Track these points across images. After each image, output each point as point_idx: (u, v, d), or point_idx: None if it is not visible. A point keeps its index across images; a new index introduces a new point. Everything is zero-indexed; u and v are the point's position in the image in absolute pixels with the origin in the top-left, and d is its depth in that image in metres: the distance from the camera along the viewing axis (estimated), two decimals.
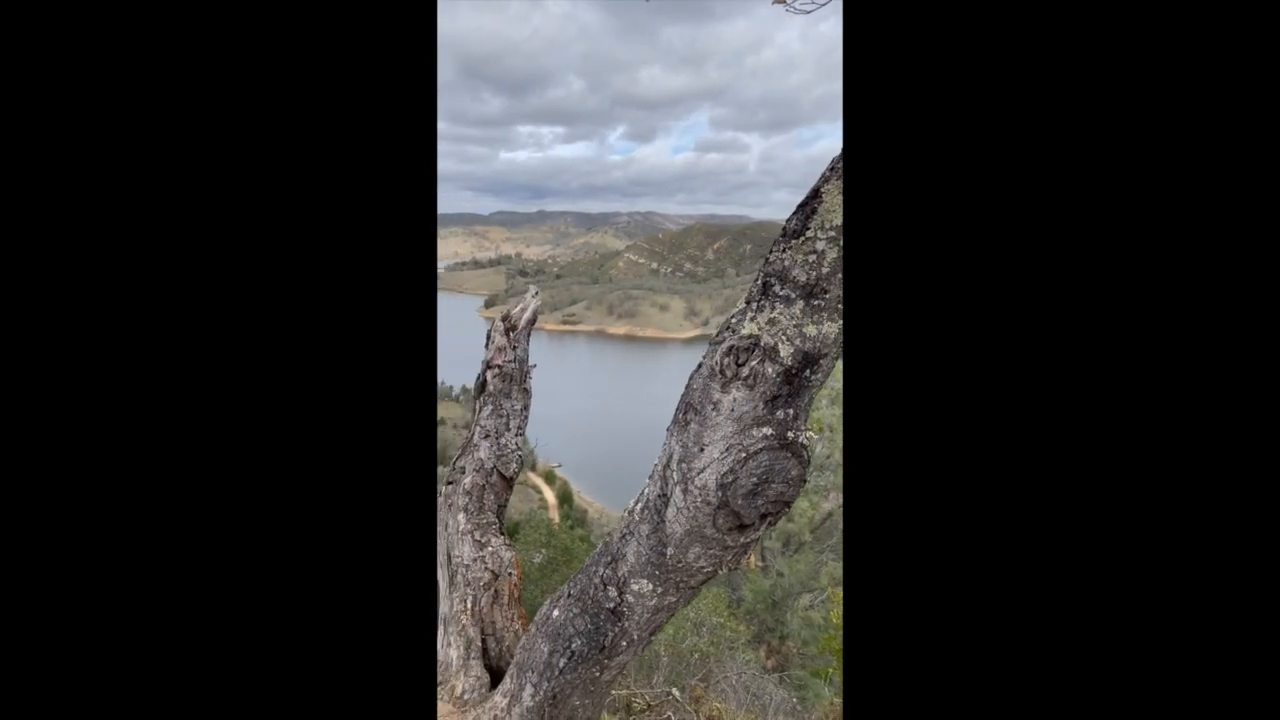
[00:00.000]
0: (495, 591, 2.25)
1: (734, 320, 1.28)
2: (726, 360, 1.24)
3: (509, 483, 2.58)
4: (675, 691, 2.72)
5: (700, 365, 1.33)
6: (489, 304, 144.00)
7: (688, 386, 1.34)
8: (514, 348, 2.79)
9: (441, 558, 2.38)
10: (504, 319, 2.84)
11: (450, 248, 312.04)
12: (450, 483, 2.55)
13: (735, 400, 1.23)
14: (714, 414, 1.26)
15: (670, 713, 2.51)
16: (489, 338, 2.82)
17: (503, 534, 2.44)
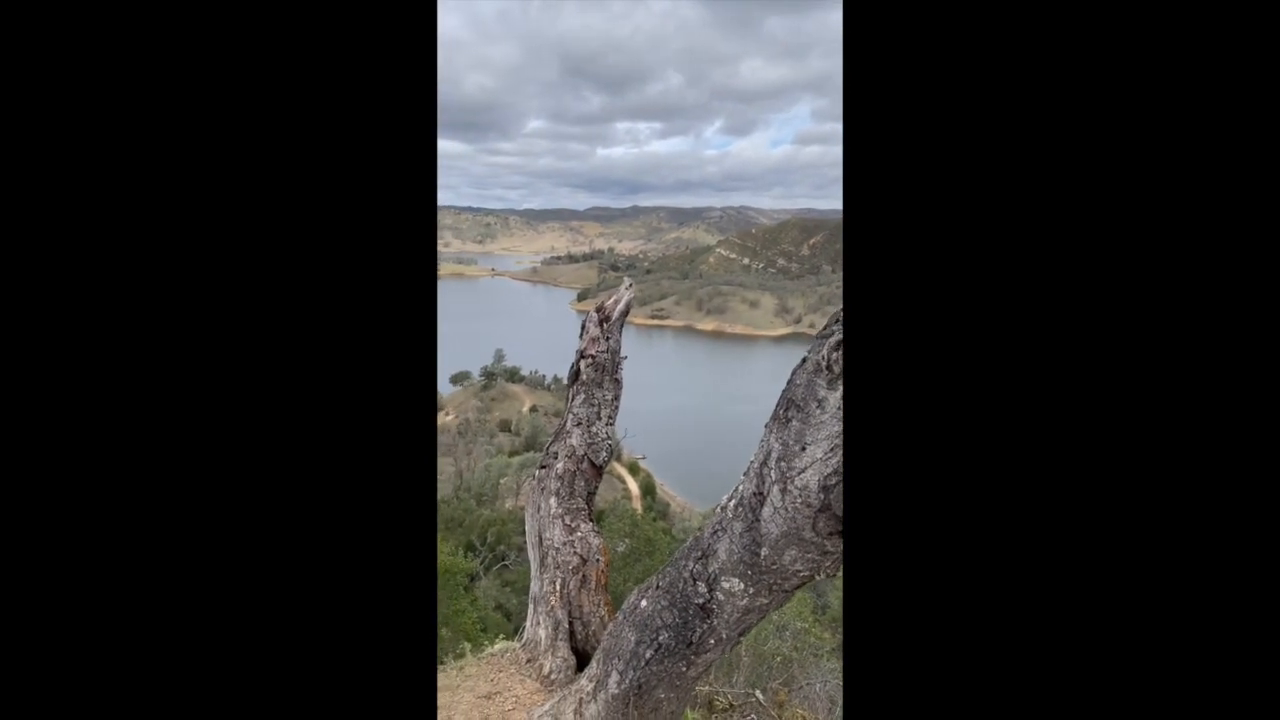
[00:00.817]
0: (583, 576, 2.29)
1: (843, 314, 1.21)
2: (834, 355, 1.18)
3: (599, 471, 2.61)
4: (758, 694, 2.66)
5: (804, 360, 1.27)
6: (581, 297, 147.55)
7: (790, 382, 1.29)
8: (607, 338, 2.82)
9: (533, 539, 2.45)
10: (598, 310, 2.87)
11: (546, 242, 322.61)
12: (543, 467, 2.62)
13: (841, 398, 1.17)
14: (818, 411, 1.20)
15: (753, 715, 2.46)
16: (583, 328, 2.86)
17: (591, 520, 2.48)
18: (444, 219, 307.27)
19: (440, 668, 2.37)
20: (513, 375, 70.35)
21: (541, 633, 2.16)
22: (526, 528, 2.48)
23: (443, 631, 5.41)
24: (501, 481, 36.18)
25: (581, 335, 2.84)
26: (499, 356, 71.68)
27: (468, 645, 5.16)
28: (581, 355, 2.78)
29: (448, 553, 6.06)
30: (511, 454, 42.16)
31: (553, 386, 68.55)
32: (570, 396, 2.75)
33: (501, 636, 5.50)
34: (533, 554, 2.40)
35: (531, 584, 2.34)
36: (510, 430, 54.00)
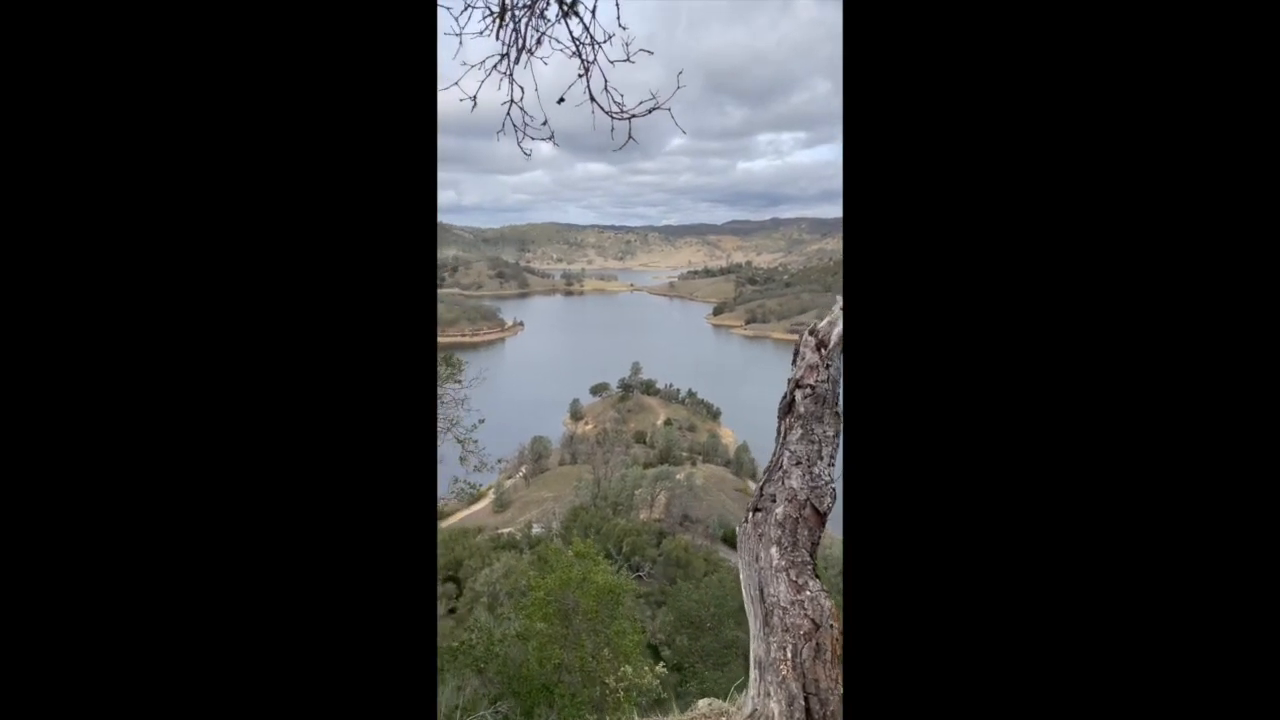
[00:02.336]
0: (816, 645, 1.99)
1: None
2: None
3: (822, 518, 2.30)
4: None
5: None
6: (717, 311, 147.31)
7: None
8: (826, 366, 2.50)
9: (752, 592, 2.20)
10: (812, 333, 2.57)
11: (683, 257, 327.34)
12: (758, 510, 2.36)
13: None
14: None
15: None
16: (797, 354, 2.58)
17: (818, 577, 2.17)
18: (586, 237, 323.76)
19: None
20: (648, 388, 71.75)
21: (774, 706, 1.90)
22: (743, 578, 2.25)
23: (603, 651, 5.34)
24: (636, 493, 36.79)
25: (795, 362, 2.55)
26: (635, 369, 73.53)
27: (628, 669, 4.96)
28: (797, 385, 2.49)
29: (605, 572, 6.04)
30: (646, 466, 42.80)
31: (686, 400, 68.81)
32: (783, 431, 2.47)
33: (655, 663, 5.35)
34: (752, 609, 2.16)
35: (753, 644, 2.10)
36: (645, 442, 54.96)
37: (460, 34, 1.43)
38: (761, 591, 2.14)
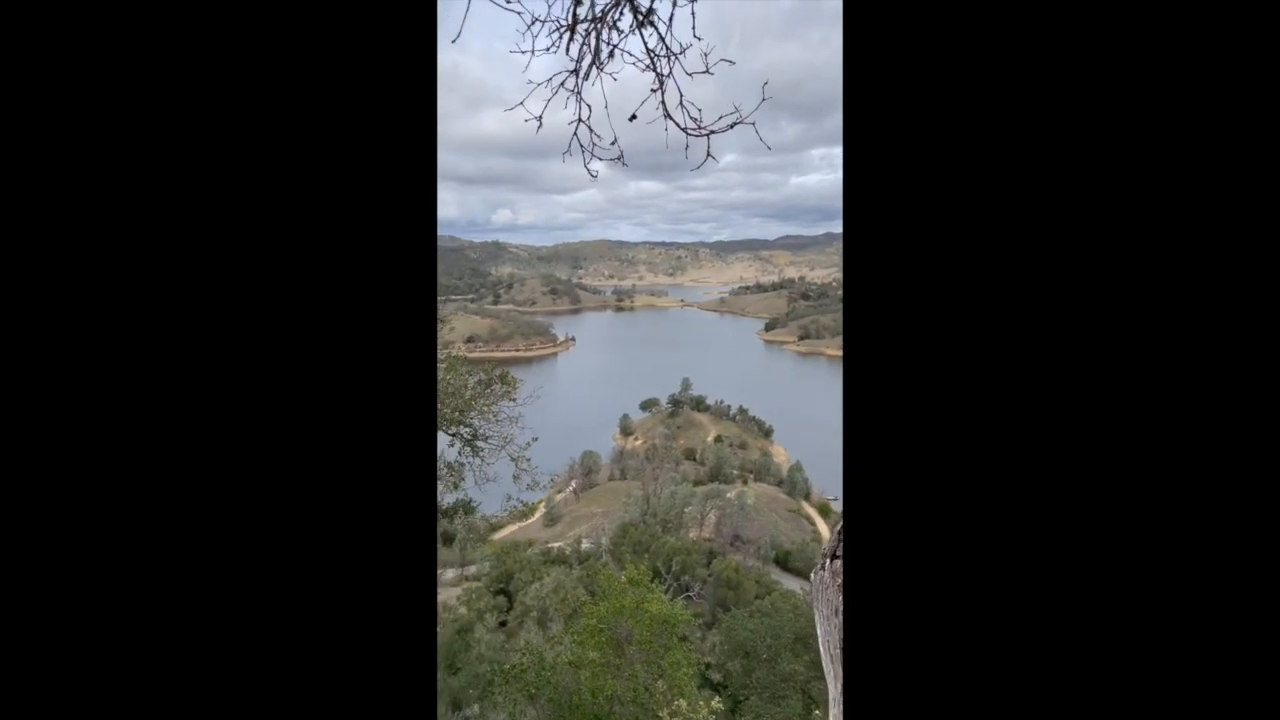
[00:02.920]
0: None
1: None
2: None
3: None
4: None
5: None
6: (769, 326, 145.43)
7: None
8: None
9: (832, 650, 2.00)
10: None
11: (735, 273, 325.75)
12: (833, 558, 2.17)
13: None
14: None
15: None
16: None
17: None
18: (638, 254, 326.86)
19: None
20: (698, 404, 71.22)
21: None
22: (819, 632, 2.05)
23: (658, 684, 5.15)
24: (686, 510, 36.36)
25: None
26: (685, 385, 73.20)
27: (683, 702, 4.74)
28: None
29: (660, 600, 5.85)
30: (696, 483, 42.30)
31: (737, 417, 67.85)
32: None
33: (711, 697, 5.11)
34: (830, 668, 1.97)
35: (832, 709, 1.90)
36: (695, 459, 54.41)
37: (530, 51, 1.35)
38: (838, 640, 1.94)
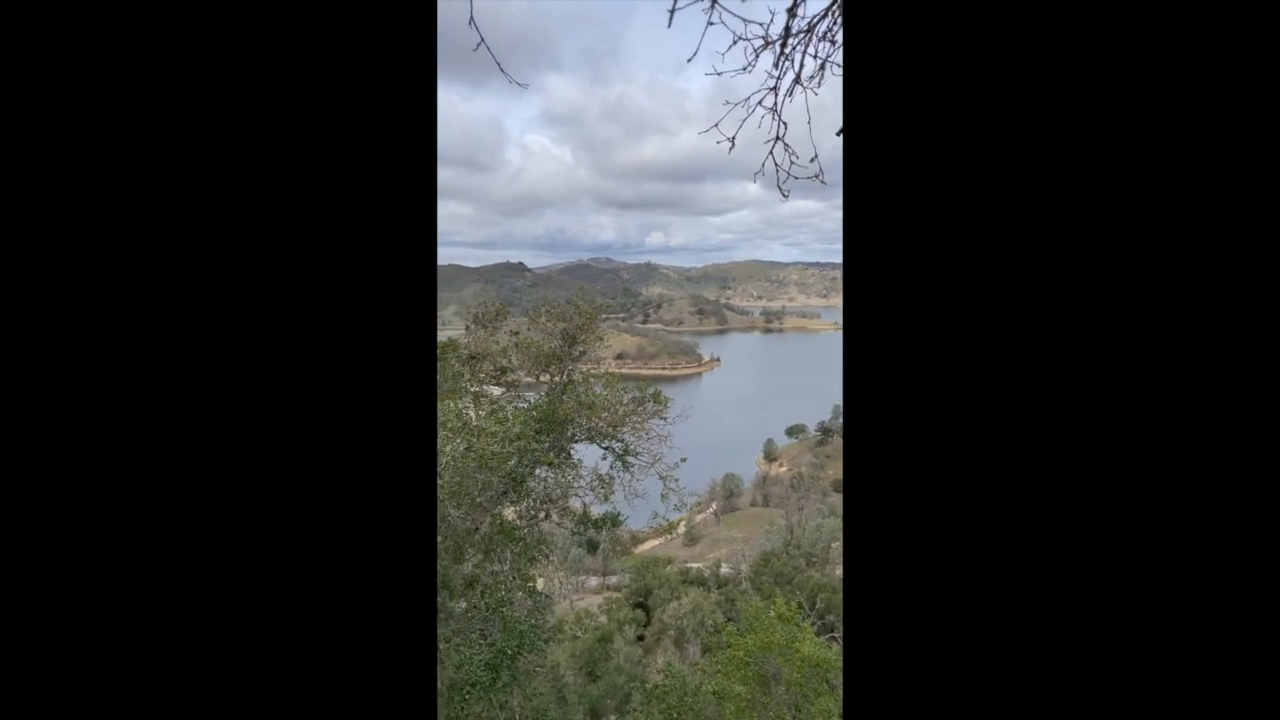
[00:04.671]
0: None
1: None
2: None
3: None
4: None
5: None
6: None
7: None
8: None
9: None
10: None
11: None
12: None
13: None
14: None
15: None
16: None
17: None
18: (789, 274, 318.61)
19: None
20: None
21: None
22: None
23: None
24: (833, 545, 34.23)
25: None
26: (836, 412, 69.51)
27: None
28: None
29: (813, 641, 5.50)
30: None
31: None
32: None
33: None
34: None
35: None
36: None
37: (731, 70, 1.33)
38: None
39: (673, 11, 1.12)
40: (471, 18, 1.05)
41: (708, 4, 1.17)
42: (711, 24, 1.29)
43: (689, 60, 1.27)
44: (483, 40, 1.08)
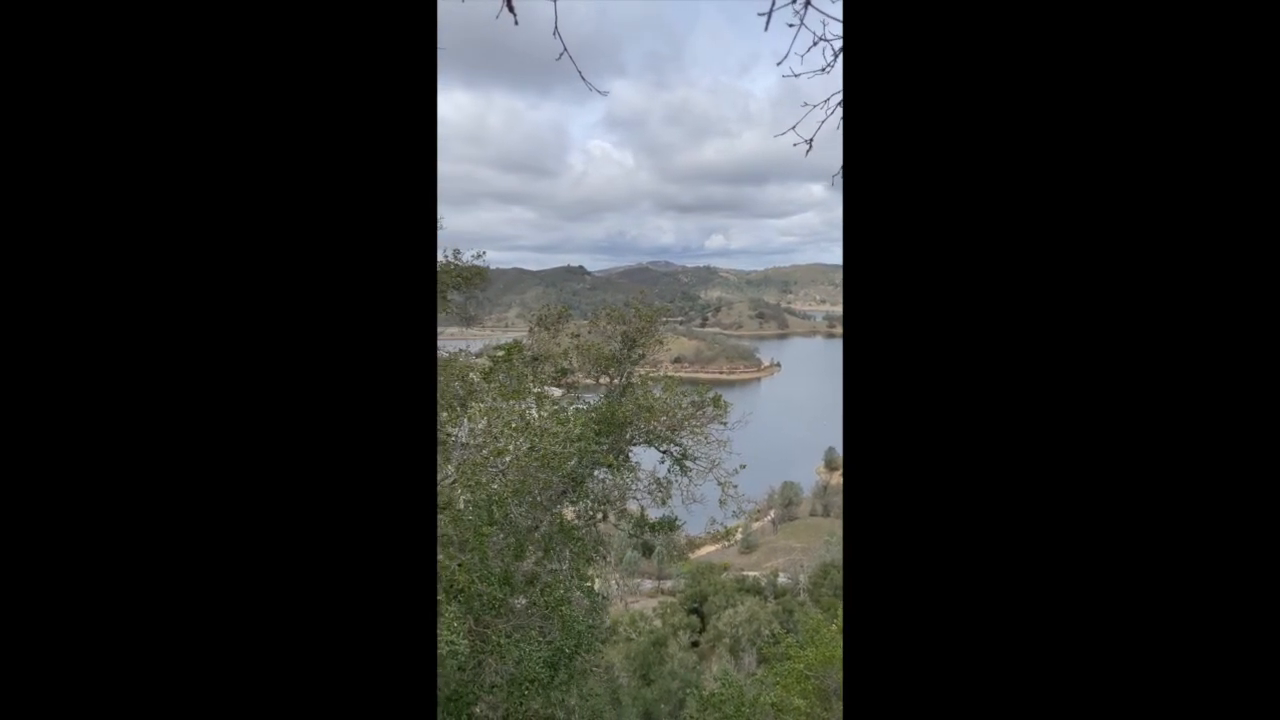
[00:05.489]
0: None
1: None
2: None
3: None
4: None
5: None
6: None
7: None
8: None
9: None
10: None
11: None
12: None
13: None
14: None
15: None
16: None
17: None
18: None
19: None
20: None
21: None
22: None
23: None
24: None
25: None
26: None
27: None
28: None
29: None
30: None
31: None
32: None
33: None
34: None
35: None
36: None
37: (807, 73, 1.31)
38: None
39: (769, 15, 1.11)
40: (556, 28, 1.08)
41: (800, 5, 1.16)
42: (790, 25, 1.27)
43: (778, 64, 1.25)
44: (565, 50, 1.10)
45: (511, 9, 1.00)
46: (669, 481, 8.34)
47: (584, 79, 1.26)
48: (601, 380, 9.09)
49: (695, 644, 23.54)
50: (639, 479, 8.30)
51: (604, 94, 1.40)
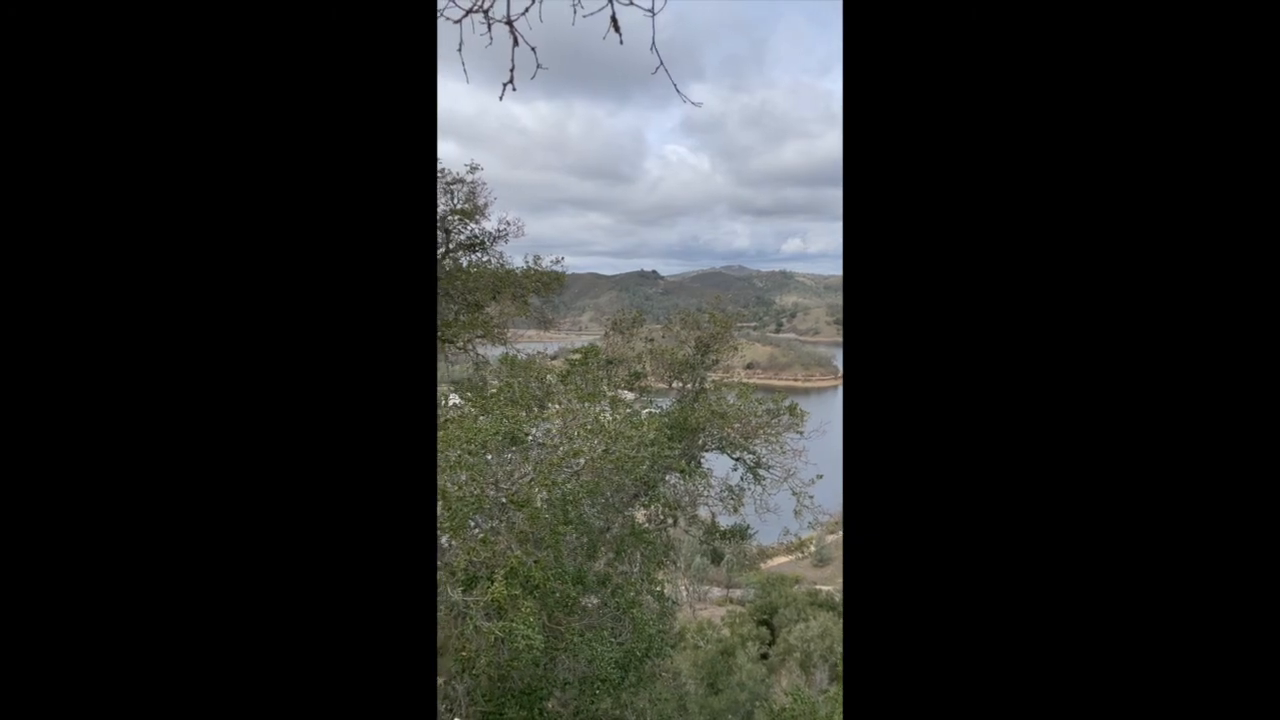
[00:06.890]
0: None
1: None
2: None
3: None
4: None
5: None
6: None
7: None
8: None
9: None
10: None
11: None
12: None
13: None
14: None
15: None
16: None
17: None
18: None
19: None
20: None
21: None
22: None
23: None
24: None
25: None
26: None
27: None
28: None
29: None
30: None
31: None
32: None
33: None
34: None
35: None
36: None
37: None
38: None
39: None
40: (654, 43, 1.11)
41: None
42: None
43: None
44: (661, 64, 1.13)
45: (617, 29, 1.03)
46: (741, 489, 8.24)
47: (677, 90, 1.28)
48: (674, 385, 9.11)
49: (764, 656, 23.04)
50: (711, 485, 8.25)
51: (697, 105, 1.41)
